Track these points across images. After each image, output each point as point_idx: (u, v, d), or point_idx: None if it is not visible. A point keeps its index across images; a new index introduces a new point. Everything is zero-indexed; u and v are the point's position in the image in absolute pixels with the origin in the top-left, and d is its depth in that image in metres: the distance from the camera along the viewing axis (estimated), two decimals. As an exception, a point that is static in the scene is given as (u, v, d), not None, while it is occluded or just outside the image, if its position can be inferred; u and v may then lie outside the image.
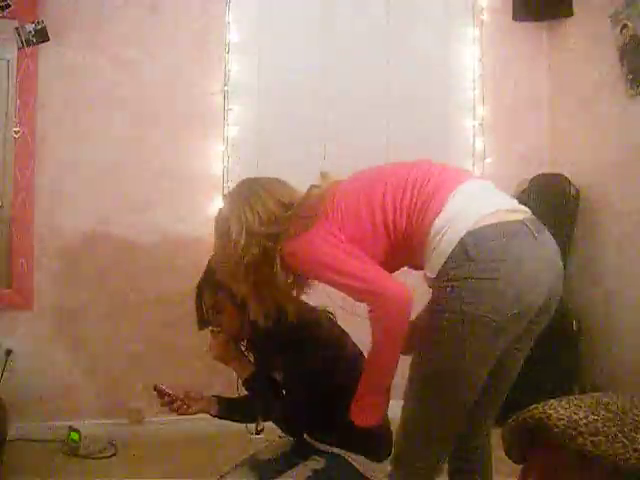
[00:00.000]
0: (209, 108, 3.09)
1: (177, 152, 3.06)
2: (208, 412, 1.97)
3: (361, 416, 1.59)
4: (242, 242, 1.59)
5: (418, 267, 1.53)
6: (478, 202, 1.45)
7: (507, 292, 1.36)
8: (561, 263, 1.49)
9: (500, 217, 1.41)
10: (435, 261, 1.41)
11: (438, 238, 1.40)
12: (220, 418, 1.99)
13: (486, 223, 1.39)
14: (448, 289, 1.38)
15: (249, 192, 1.67)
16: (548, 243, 1.46)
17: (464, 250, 1.37)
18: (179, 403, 1.88)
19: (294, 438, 1.94)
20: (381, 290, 1.45)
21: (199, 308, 1.90)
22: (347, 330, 1.94)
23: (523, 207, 1.50)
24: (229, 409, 2.00)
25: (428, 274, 1.44)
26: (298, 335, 1.76)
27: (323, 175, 1.67)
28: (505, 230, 1.39)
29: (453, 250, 1.38)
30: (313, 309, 1.85)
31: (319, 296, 1.82)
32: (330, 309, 1.88)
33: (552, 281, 1.45)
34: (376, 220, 1.50)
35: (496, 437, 1.84)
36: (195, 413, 1.93)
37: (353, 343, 1.89)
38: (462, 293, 1.37)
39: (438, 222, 1.41)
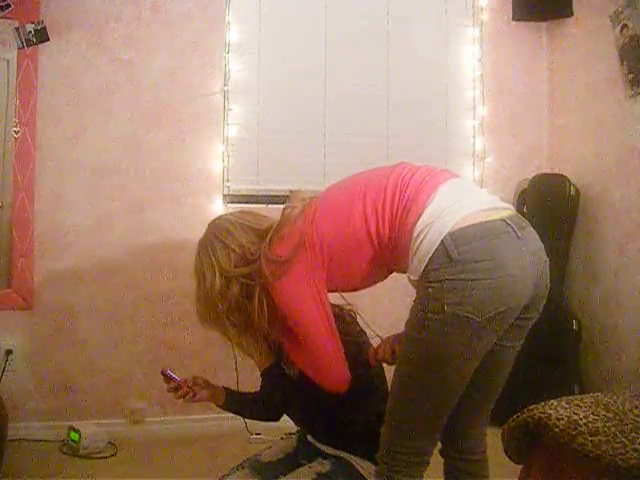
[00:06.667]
0: (209, 108, 3.09)
1: (177, 152, 3.05)
2: (214, 401, 1.91)
3: None
4: (217, 287, 1.61)
5: (404, 271, 1.54)
6: (458, 203, 1.45)
7: (489, 292, 1.37)
8: (545, 257, 1.50)
9: (481, 217, 1.41)
10: (417, 263, 1.43)
11: (419, 241, 1.42)
12: (225, 409, 1.95)
13: (467, 224, 1.40)
14: (430, 290, 1.40)
15: (218, 231, 1.66)
16: (531, 239, 1.47)
17: (445, 252, 1.38)
18: (185, 390, 1.83)
19: (307, 433, 1.91)
20: (324, 378, 1.60)
21: None
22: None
23: (505, 204, 1.51)
24: (237, 402, 1.95)
25: (411, 277, 1.46)
26: None
27: (295, 193, 1.66)
28: (486, 230, 1.40)
29: (434, 252, 1.39)
30: (336, 305, 1.82)
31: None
32: (353, 308, 1.86)
33: (537, 276, 1.46)
34: (359, 235, 1.51)
35: (496, 437, 1.84)
36: (201, 401, 1.88)
37: (370, 344, 1.86)
38: (444, 294, 1.38)
39: (419, 226, 1.43)
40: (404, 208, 1.47)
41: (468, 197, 1.49)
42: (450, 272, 1.37)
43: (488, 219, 1.41)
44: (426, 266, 1.41)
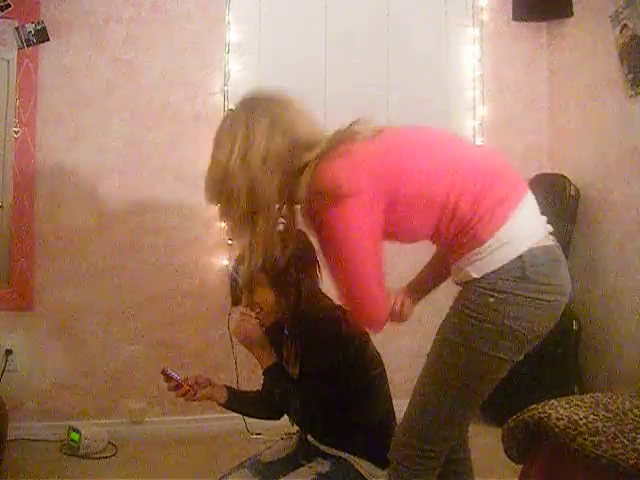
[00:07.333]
0: (209, 108, 3.09)
1: (177, 152, 3.05)
2: (215, 400, 1.90)
3: None
4: (219, 175, 1.55)
5: (444, 248, 1.51)
6: (536, 220, 1.48)
7: (544, 313, 1.42)
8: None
9: (547, 240, 1.46)
10: (485, 264, 1.40)
11: (496, 245, 1.40)
12: (226, 408, 1.94)
13: (542, 244, 1.43)
14: (491, 299, 1.39)
15: (250, 119, 1.53)
16: (566, 267, 1.51)
17: (521, 266, 1.38)
18: (185, 388, 1.82)
19: (307, 433, 1.91)
20: (364, 313, 1.48)
21: (233, 286, 1.86)
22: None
23: (550, 227, 1.53)
24: (238, 401, 1.94)
25: (473, 273, 1.42)
26: (323, 330, 1.74)
27: (363, 121, 1.50)
28: (552, 254, 1.44)
29: (509, 262, 1.39)
30: (339, 307, 1.81)
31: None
32: None
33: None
34: (436, 199, 1.43)
35: (496, 437, 1.84)
36: (202, 400, 1.87)
37: (373, 345, 1.85)
38: (507, 307, 1.38)
39: (500, 233, 1.40)
40: (487, 208, 1.42)
41: (539, 216, 1.52)
42: (518, 287, 1.38)
43: (550, 243, 1.46)
44: (495, 271, 1.39)
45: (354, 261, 1.43)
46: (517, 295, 1.38)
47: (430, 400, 1.49)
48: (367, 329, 1.54)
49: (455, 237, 1.44)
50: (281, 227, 1.82)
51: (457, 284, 1.51)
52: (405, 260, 2.03)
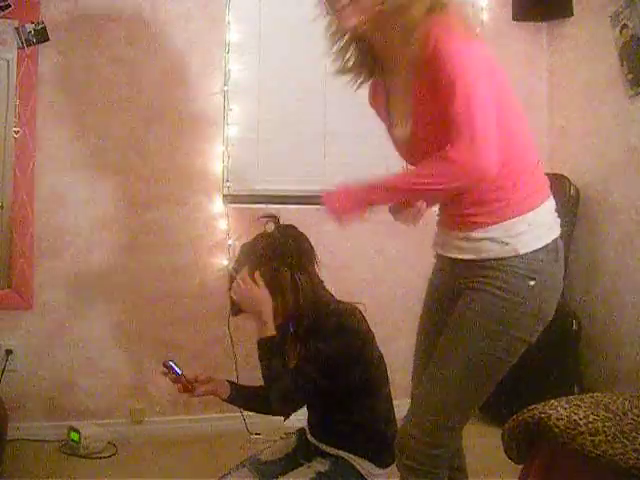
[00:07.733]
0: (209, 108, 3.09)
1: (177, 152, 3.05)
2: (218, 395, 1.90)
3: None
4: None
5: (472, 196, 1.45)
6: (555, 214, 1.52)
7: (557, 298, 1.45)
8: None
9: None
10: (531, 240, 1.39)
11: (537, 222, 1.40)
12: (230, 403, 1.94)
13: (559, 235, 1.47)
14: (532, 282, 1.38)
15: None
16: None
17: (555, 250, 1.42)
18: (183, 383, 1.83)
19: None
20: (477, 152, 1.29)
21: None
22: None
23: None
24: (241, 395, 1.95)
25: (520, 249, 1.38)
26: (327, 323, 1.74)
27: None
28: (561, 244, 1.48)
29: (547, 245, 1.40)
30: (348, 303, 1.82)
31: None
32: (361, 305, 1.84)
33: None
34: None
35: (496, 437, 1.84)
36: (205, 395, 1.88)
37: (376, 345, 1.86)
38: (543, 291, 1.39)
39: (543, 207, 1.43)
40: (543, 179, 1.48)
41: None
42: (553, 271, 1.41)
43: None
44: (536, 250, 1.39)
45: (473, 99, 1.30)
46: (553, 278, 1.41)
47: (449, 390, 1.45)
48: (480, 175, 1.32)
49: (503, 188, 1.40)
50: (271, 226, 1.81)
51: (466, 261, 1.46)
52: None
